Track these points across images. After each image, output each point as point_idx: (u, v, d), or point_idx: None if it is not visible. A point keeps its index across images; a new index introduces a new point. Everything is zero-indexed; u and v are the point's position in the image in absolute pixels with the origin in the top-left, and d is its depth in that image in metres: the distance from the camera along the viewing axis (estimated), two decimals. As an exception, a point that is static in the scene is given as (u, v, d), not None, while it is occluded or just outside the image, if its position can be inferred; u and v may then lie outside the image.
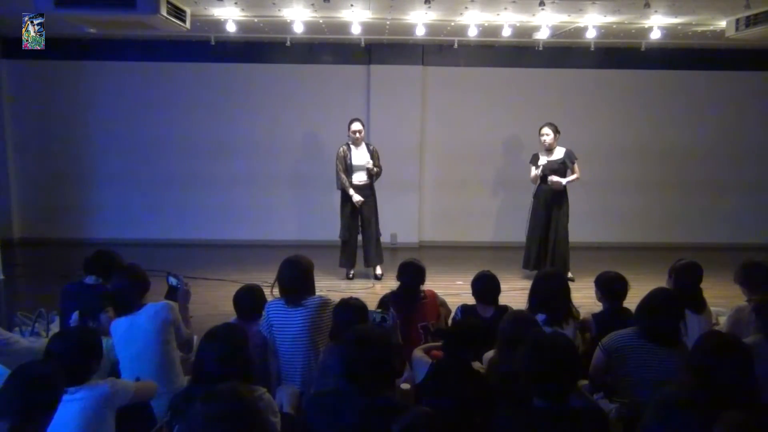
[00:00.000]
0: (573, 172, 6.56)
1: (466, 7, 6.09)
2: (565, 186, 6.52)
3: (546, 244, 6.61)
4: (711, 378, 2.29)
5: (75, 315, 3.62)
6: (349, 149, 6.63)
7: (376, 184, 6.81)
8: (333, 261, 6.92)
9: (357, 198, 6.57)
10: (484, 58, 8.31)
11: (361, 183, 6.63)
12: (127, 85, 8.32)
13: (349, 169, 6.59)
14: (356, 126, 6.59)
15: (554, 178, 6.44)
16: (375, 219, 6.80)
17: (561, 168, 6.54)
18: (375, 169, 6.60)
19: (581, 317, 3.76)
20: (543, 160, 6.56)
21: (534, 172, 6.59)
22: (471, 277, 3.90)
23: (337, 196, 6.82)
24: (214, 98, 8.33)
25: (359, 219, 6.73)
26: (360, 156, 6.61)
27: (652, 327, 3.07)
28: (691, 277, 3.87)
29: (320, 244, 7.82)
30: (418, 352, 3.26)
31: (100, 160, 8.44)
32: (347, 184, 6.58)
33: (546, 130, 6.53)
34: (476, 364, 3.08)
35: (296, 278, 3.56)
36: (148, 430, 2.90)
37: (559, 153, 6.56)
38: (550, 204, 6.59)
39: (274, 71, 8.29)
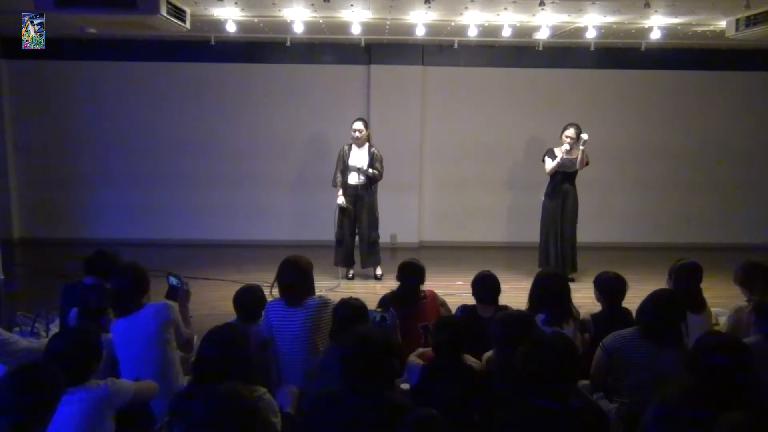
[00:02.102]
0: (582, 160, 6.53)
1: (466, 7, 6.09)
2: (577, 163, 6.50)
3: (558, 243, 6.61)
4: (711, 378, 2.29)
5: (74, 311, 3.61)
6: (350, 149, 6.62)
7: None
8: (332, 261, 6.92)
9: (340, 200, 6.58)
10: (484, 58, 8.31)
11: (355, 183, 6.60)
12: (126, 85, 8.31)
13: (345, 169, 6.59)
14: (356, 125, 6.56)
15: (584, 137, 6.44)
16: (370, 221, 6.69)
17: (574, 166, 6.55)
18: (370, 171, 6.51)
19: (580, 317, 3.76)
20: (560, 155, 6.51)
21: (551, 164, 6.54)
22: (471, 277, 3.90)
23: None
24: (214, 98, 8.32)
25: (354, 219, 6.71)
26: (358, 157, 6.57)
27: (652, 327, 3.09)
28: (691, 277, 3.87)
29: (321, 244, 7.80)
30: (411, 357, 3.27)
31: (100, 160, 8.43)
32: (338, 183, 6.58)
33: (571, 132, 6.50)
34: (470, 359, 3.08)
35: (296, 278, 3.56)
36: (148, 430, 2.90)
37: (575, 153, 6.55)
38: (563, 201, 6.59)
39: (274, 71, 8.29)
